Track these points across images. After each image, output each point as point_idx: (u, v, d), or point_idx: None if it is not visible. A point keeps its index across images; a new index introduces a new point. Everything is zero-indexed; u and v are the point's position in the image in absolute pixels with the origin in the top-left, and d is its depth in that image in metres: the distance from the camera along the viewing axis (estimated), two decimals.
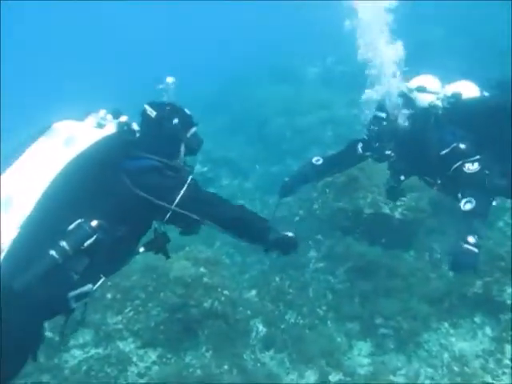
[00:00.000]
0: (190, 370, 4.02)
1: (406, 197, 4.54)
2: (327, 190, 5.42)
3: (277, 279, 5.03)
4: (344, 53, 10.98)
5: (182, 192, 2.19)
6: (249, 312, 4.59)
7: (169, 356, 4.18)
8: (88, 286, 2.06)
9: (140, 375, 4.04)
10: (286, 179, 3.82)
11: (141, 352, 4.25)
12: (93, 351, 4.29)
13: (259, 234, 2.44)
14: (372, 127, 3.37)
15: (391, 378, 3.83)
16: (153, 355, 4.21)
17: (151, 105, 2.46)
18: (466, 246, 2.91)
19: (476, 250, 2.91)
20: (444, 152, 3.23)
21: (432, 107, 3.29)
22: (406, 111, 3.35)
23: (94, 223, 2.03)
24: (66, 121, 2.21)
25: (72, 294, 2.01)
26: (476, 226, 2.99)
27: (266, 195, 7.19)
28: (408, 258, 5.03)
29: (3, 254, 1.83)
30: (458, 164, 3.19)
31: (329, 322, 4.51)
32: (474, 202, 3.04)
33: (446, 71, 3.95)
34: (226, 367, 4.07)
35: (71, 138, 2.10)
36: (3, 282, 1.79)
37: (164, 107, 2.47)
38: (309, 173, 3.78)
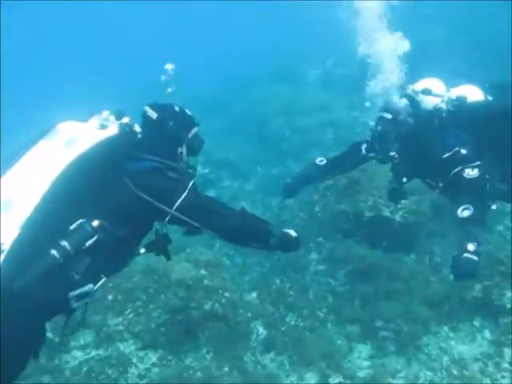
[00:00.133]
0: (191, 371, 4.03)
1: (407, 199, 4.55)
2: (328, 193, 5.43)
3: (277, 281, 5.04)
4: (344, 55, 11.01)
5: (182, 197, 2.20)
6: (249, 314, 4.61)
7: (169, 358, 4.19)
8: (89, 286, 2.07)
9: (140, 377, 4.05)
10: (289, 180, 3.82)
11: (141, 354, 4.26)
12: (93, 352, 4.30)
13: (260, 239, 2.44)
14: (376, 128, 3.40)
15: (391, 380, 3.85)
16: (153, 357, 4.22)
17: (152, 106, 2.47)
18: (466, 254, 2.92)
19: (476, 257, 2.92)
20: (446, 155, 3.25)
21: (436, 110, 3.32)
22: (410, 113, 3.37)
23: (96, 223, 2.04)
24: (69, 122, 2.22)
25: (73, 293, 2.01)
26: (475, 233, 3.00)
27: (267, 197, 7.20)
28: (408, 261, 5.05)
29: (3, 255, 1.83)
30: (458, 169, 3.21)
31: (329, 325, 4.52)
32: (471, 208, 3.05)
33: (446, 71, 3.96)
34: (226, 369, 4.08)
35: (73, 138, 2.11)
36: (3, 283, 1.80)
37: (165, 108, 2.48)
38: (312, 173, 3.78)
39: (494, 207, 3.29)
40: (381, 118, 3.37)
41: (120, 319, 4.49)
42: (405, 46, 3.47)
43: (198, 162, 2.65)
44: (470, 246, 2.94)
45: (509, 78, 3.50)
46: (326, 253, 5.28)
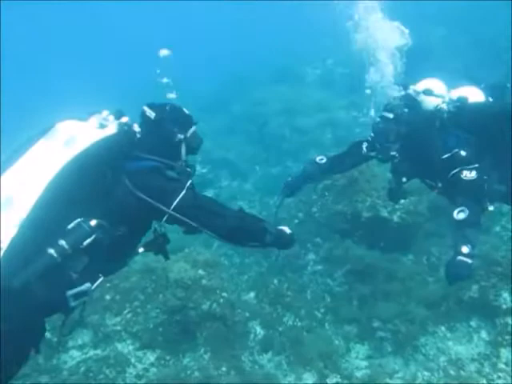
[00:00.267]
0: (188, 371, 4.04)
1: (407, 199, 4.57)
2: (326, 193, 5.44)
3: (275, 281, 5.05)
4: (344, 54, 11.02)
5: (180, 197, 2.21)
6: (247, 314, 4.61)
7: (167, 358, 4.20)
8: (86, 285, 2.08)
9: (138, 377, 4.05)
10: (289, 178, 3.82)
11: (139, 353, 4.27)
12: (91, 352, 4.30)
13: (257, 238, 2.46)
14: (378, 127, 3.41)
15: (388, 380, 3.85)
16: (151, 357, 4.23)
17: (150, 106, 2.48)
18: (460, 257, 2.94)
19: (470, 260, 2.94)
20: (445, 156, 3.27)
21: (437, 110, 3.33)
22: (410, 112, 3.39)
23: (94, 222, 2.05)
24: (69, 121, 2.23)
25: (70, 292, 2.03)
26: (469, 236, 3.02)
27: (266, 197, 7.21)
28: (406, 261, 5.06)
29: (2, 252, 1.85)
30: (456, 170, 3.23)
31: (327, 325, 4.53)
32: (466, 211, 3.08)
33: (446, 71, 3.98)
34: (224, 369, 4.09)
35: (72, 138, 2.12)
36: (3, 280, 1.82)
37: (163, 108, 2.48)
38: (312, 172, 3.79)
39: (491, 208, 3.31)
40: (382, 118, 3.39)
41: (118, 319, 4.50)
42: (402, 34, 3.49)
43: (196, 161, 2.66)
44: (464, 249, 2.96)
45: (508, 79, 3.51)
46: (323, 253, 5.29)
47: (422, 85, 3.46)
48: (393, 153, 3.41)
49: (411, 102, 3.41)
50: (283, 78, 11.41)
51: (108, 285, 4.62)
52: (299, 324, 4.53)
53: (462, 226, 3.09)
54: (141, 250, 2.40)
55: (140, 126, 2.40)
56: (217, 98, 11.50)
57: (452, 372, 3.75)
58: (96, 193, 2.13)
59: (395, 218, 5.12)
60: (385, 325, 4.32)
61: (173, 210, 2.19)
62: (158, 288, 4.49)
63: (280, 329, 4.49)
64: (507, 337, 3.86)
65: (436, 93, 3.36)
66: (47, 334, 3.97)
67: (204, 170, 7.88)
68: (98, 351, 4.30)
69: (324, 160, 3.76)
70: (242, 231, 2.38)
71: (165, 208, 2.18)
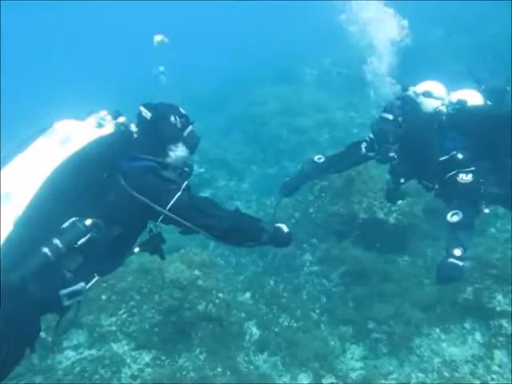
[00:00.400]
0: (184, 372, 4.03)
1: (404, 199, 4.59)
2: (323, 194, 5.45)
3: (271, 282, 5.06)
4: (342, 55, 11.03)
5: (175, 197, 2.21)
6: (243, 315, 4.62)
7: (163, 358, 4.19)
8: (81, 285, 2.08)
9: (133, 377, 4.04)
10: (287, 178, 3.85)
11: (134, 354, 4.26)
12: (86, 352, 4.29)
13: (253, 238, 2.47)
14: (377, 128, 3.43)
15: (383, 381, 3.87)
16: (146, 357, 4.22)
17: (146, 106, 2.48)
18: (451, 259, 2.96)
19: (461, 263, 2.96)
20: (443, 158, 3.29)
21: (436, 113, 3.35)
22: (409, 114, 3.40)
23: (89, 222, 2.05)
24: (67, 120, 2.23)
25: (64, 291, 2.03)
26: (462, 238, 3.03)
27: (263, 196, 7.22)
28: (402, 262, 5.08)
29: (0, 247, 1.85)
30: (452, 173, 3.24)
31: (322, 326, 4.54)
32: (460, 214, 3.09)
33: (445, 72, 4.00)
34: (219, 369, 4.09)
35: (68, 137, 2.12)
36: (2, 275, 1.82)
37: (159, 108, 2.48)
38: (310, 171, 3.81)
39: (487, 211, 3.33)
40: (381, 118, 3.40)
41: (113, 319, 4.48)
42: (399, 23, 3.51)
43: (193, 161, 2.66)
44: (457, 251, 2.98)
45: (508, 81, 3.53)
46: (320, 254, 5.30)
47: (421, 87, 3.48)
48: (391, 154, 3.43)
49: (411, 104, 3.43)
50: (282, 78, 11.43)
51: (104, 285, 4.61)
52: (295, 325, 4.54)
53: (456, 228, 3.11)
54: (136, 249, 2.40)
55: (137, 126, 2.40)
56: (215, 98, 11.51)
57: (446, 373, 3.77)
58: (91, 192, 2.14)
59: (391, 220, 5.14)
60: (380, 326, 4.34)
61: (168, 211, 2.19)
62: (154, 288, 4.48)
63: (276, 329, 4.50)
64: (501, 339, 3.88)
65: (435, 95, 3.38)
66: (42, 334, 3.97)
67: (201, 170, 7.89)
68: (93, 351, 4.29)
69: (322, 159, 3.78)
70: (238, 232, 2.39)
71: (160, 208, 2.18)
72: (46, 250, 1.94)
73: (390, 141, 3.41)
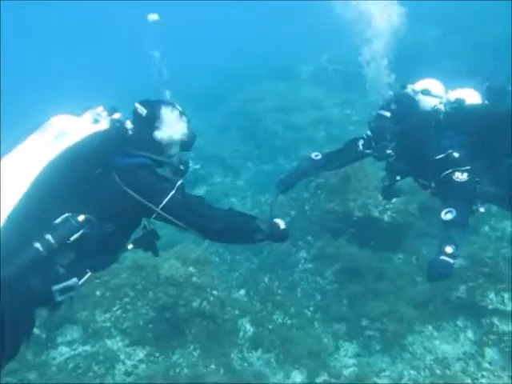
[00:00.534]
0: (178, 368, 4.05)
1: (400, 197, 4.61)
2: (319, 192, 5.46)
3: (266, 279, 5.07)
4: (338, 52, 11.03)
5: (169, 196, 2.21)
6: (237, 312, 4.63)
7: (156, 354, 4.20)
8: (73, 280, 2.09)
9: (127, 373, 4.05)
10: (284, 174, 3.86)
11: (129, 350, 4.26)
12: (80, 348, 4.29)
13: (245, 238, 2.48)
14: (374, 125, 3.44)
15: (375, 379, 3.90)
16: (141, 353, 4.23)
17: (142, 103, 2.47)
18: (442, 256, 2.99)
19: (452, 260, 2.98)
20: (439, 157, 3.30)
21: (434, 111, 3.36)
22: (407, 111, 3.41)
23: (82, 218, 2.06)
24: (63, 115, 2.23)
25: (57, 287, 2.04)
26: (454, 236, 3.06)
27: (258, 193, 7.22)
28: (396, 260, 5.10)
29: None
30: (448, 171, 3.26)
31: (316, 323, 4.56)
32: (454, 212, 3.12)
33: (441, 72, 4.00)
34: (213, 366, 4.11)
35: (62, 132, 2.12)
36: None
37: (155, 105, 2.48)
38: (307, 168, 3.81)
39: (482, 210, 3.36)
40: (379, 116, 3.41)
41: (108, 315, 4.48)
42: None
43: (189, 158, 2.66)
44: (448, 249, 3.01)
45: (509, 81, 3.55)
46: (314, 251, 5.32)
47: (420, 84, 3.49)
48: (389, 151, 3.44)
49: (409, 101, 3.44)
50: (279, 75, 11.42)
51: (98, 281, 4.60)
52: (289, 322, 4.56)
53: (449, 226, 3.14)
54: (130, 246, 2.40)
55: (132, 123, 2.39)
56: (213, 94, 11.50)
57: (438, 371, 3.81)
58: (85, 188, 2.14)
59: (386, 218, 5.16)
60: (373, 323, 4.36)
61: (161, 209, 2.20)
62: (148, 285, 4.48)
63: (270, 326, 4.51)
64: (492, 336, 3.92)
65: (434, 93, 3.39)
66: (36, 330, 3.98)
67: (197, 167, 7.88)
68: (87, 347, 4.29)
69: (319, 156, 3.80)
70: (231, 232, 2.40)
71: (153, 206, 2.19)
72: (37, 245, 1.95)
73: (387, 138, 3.42)
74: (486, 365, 3.75)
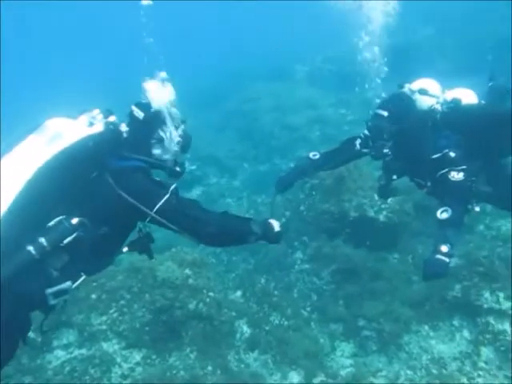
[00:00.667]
0: (174, 371, 4.04)
1: (396, 196, 4.63)
2: (314, 192, 5.46)
3: (262, 280, 5.07)
4: (333, 53, 11.05)
5: (163, 200, 2.21)
6: (234, 313, 4.62)
7: (153, 357, 4.19)
8: (67, 284, 2.08)
9: (124, 376, 4.04)
10: (283, 174, 3.89)
11: (125, 353, 4.24)
12: (76, 352, 4.27)
13: (239, 241, 2.48)
14: (372, 124, 3.44)
15: (372, 379, 3.90)
16: (137, 356, 4.22)
17: (138, 105, 2.46)
18: (438, 255, 3.00)
19: (447, 259, 3.00)
20: (435, 156, 3.32)
21: (431, 111, 3.38)
22: (404, 111, 3.43)
23: (75, 221, 2.05)
24: (58, 118, 2.23)
25: (50, 290, 2.03)
26: (450, 235, 3.07)
27: (254, 194, 7.23)
28: (392, 260, 5.11)
29: None
30: (444, 170, 3.28)
31: (313, 324, 4.57)
32: (450, 211, 3.13)
33: (435, 71, 4.02)
34: (210, 368, 4.10)
35: (57, 135, 2.13)
36: None
37: (151, 107, 2.47)
38: (305, 167, 3.84)
39: (477, 209, 3.37)
40: (376, 115, 3.42)
41: (104, 318, 4.46)
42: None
43: (185, 160, 2.66)
44: (444, 248, 3.03)
45: (508, 82, 3.57)
46: (310, 252, 5.32)
47: (417, 84, 3.51)
48: (385, 150, 3.45)
49: (406, 101, 3.45)
50: (276, 75, 11.46)
51: (94, 284, 4.59)
52: (286, 323, 4.56)
53: (444, 225, 3.16)
54: (125, 249, 2.40)
55: (128, 126, 2.38)
56: (210, 93, 11.53)
57: (434, 371, 3.82)
58: (79, 190, 2.13)
59: (381, 218, 5.17)
60: (370, 323, 4.37)
61: (155, 213, 2.19)
62: (145, 287, 4.46)
63: (266, 328, 4.51)
64: (488, 336, 3.93)
65: (431, 93, 3.41)
66: (31, 334, 3.95)
67: (193, 167, 7.88)
68: (83, 351, 4.27)
69: (317, 156, 3.82)
70: (224, 236, 2.40)
71: (147, 210, 2.18)
72: (30, 248, 1.94)
73: (384, 137, 3.43)
74: (481, 364, 3.77)
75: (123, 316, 4.46)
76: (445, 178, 3.27)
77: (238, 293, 5.00)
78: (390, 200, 5.10)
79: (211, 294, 4.48)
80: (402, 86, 3.52)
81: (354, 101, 9.38)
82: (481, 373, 3.70)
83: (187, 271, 4.46)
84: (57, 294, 2.06)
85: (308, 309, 4.74)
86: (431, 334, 4.18)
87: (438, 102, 3.40)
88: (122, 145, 2.30)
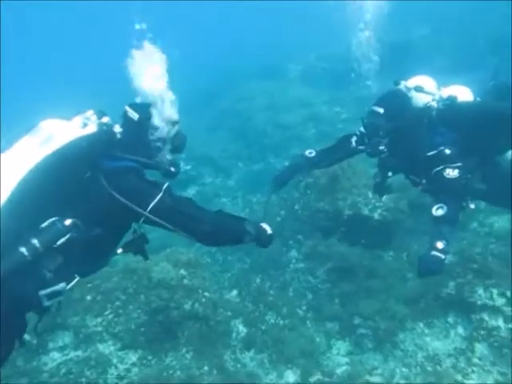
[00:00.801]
0: (171, 371, 4.04)
1: (391, 193, 4.65)
2: (308, 191, 5.47)
3: (257, 280, 5.08)
4: (326, 51, 11.05)
5: (156, 199, 2.21)
6: (229, 313, 4.63)
7: (149, 358, 4.19)
8: (61, 285, 2.08)
9: (120, 377, 4.03)
10: (278, 171, 3.91)
11: (121, 354, 4.24)
12: (72, 354, 4.26)
13: (233, 240, 2.48)
14: (368, 121, 3.45)
15: (368, 377, 3.92)
16: (133, 357, 4.21)
17: (132, 106, 2.46)
18: (434, 252, 3.02)
19: (443, 256, 3.02)
20: (431, 153, 3.33)
21: (427, 108, 3.39)
22: (400, 108, 3.44)
23: (68, 222, 2.05)
24: (52, 119, 2.23)
25: (44, 292, 2.02)
26: (445, 232, 3.10)
27: (248, 193, 7.23)
28: (387, 258, 5.13)
29: None
30: (439, 168, 3.29)
31: (308, 323, 4.58)
32: (445, 208, 3.16)
33: (431, 68, 4.04)
34: (206, 368, 4.11)
35: (50, 136, 2.12)
36: None
37: (145, 108, 2.46)
38: (301, 165, 3.86)
39: (472, 206, 3.40)
40: (372, 112, 3.43)
41: (99, 320, 4.45)
42: None
43: (180, 159, 2.66)
44: (439, 244, 3.05)
45: (509, 80, 3.60)
46: (305, 250, 5.33)
47: (413, 81, 3.52)
48: (381, 147, 3.46)
49: (402, 98, 3.46)
50: (269, 74, 11.46)
51: (89, 285, 4.57)
52: (281, 322, 4.57)
53: (440, 222, 3.18)
54: (120, 250, 2.40)
55: (122, 127, 2.38)
56: (205, 92, 11.50)
57: (429, 368, 3.84)
58: (71, 192, 2.13)
59: (376, 216, 5.18)
60: (365, 321, 4.39)
61: (149, 213, 2.19)
62: (140, 288, 4.45)
63: (262, 327, 4.52)
64: (482, 332, 3.96)
65: (427, 90, 3.42)
66: (26, 336, 3.93)
67: (187, 167, 7.87)
68: (79, 352, 4.26)
69: (313, 154, 3.84)
70: (219, 234, 2.40)
71: (141, 210, 2.18)
72: (23, 249, 1.94)
73: (380, 134, 3.43)
74: (475, 360, 3.80)
75: (119, 317, 4.45)
76: (440, 175, 3.29)
77: (234, 292, 5.01)
78: (384, 198, 5.12)
79: (206, 293, 4.48)
80: (397, 83, 3.53)
81: (348, 98, 9.41)
82: (475, 369, 3.73)
83: (182, 271, 4.46)
84: (51, 296, 2.05)
85: (303, 308, 4.75)
86: (426, 331, 4.20)
87: (433, 100, 3.41)
88: (115, 145, 2.30)
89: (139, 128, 2.41)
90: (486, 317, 4.03)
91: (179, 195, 2.39)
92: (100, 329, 4.37)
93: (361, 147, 3.68)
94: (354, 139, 3.73)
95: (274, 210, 5.73)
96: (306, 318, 4.62)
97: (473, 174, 3.35)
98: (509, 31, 7.97)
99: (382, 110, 3.40)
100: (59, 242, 2.02)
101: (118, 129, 2.35)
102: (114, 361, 4.19)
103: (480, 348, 3.89)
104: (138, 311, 4.40)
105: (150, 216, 2.19)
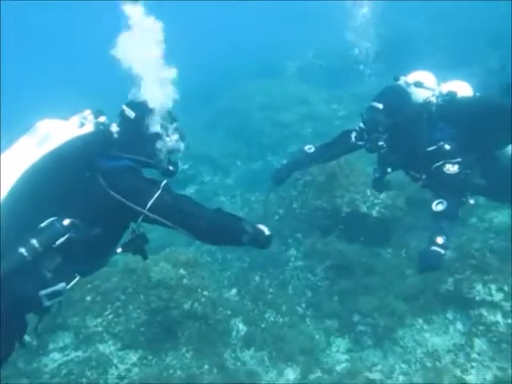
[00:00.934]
0: (171, 370, 4.05)
1: (390, 190, 4.65)
2: (306, 189, 5.48)
3: (257, 278, 5.09)
4: (324, 48, 11.03)
5: (155, 197, 2.20)
6: (229, 312, 4.64)
7: (149, 357, 4.20)
8: (61, 285, 2.08)
9: (120, 378, 4.05)
10: (278, 167, 3.95)
11: (121, 354, 4.25)
12: (72, 354, 4.27)
13: (233, 239, 2.47)
14: (367, 117, 3.45)
15: (367, 373, 3.94)
16: (133, 357, 4.23)
17: (129, 105, 2.45)
18: (434, 247, 3.03)
19: (443, 251, 3.03)
20: (430, 149, 3.34)
21: (427, 103, 3.39)
22: (399, 103, 3.44)
23: (67, 222, 2.05)
24: (50, 119, 2.23)
25: (44, 292, 2.03)
26: (445, 227, 3.10)
27: (247, 192, 7.24)
28: (386, 255, 5.14)
29: None
30: (439, 163, 3.30)
31: (308, 320, 4.59)
32: (445, 203, 3.16)
33: (430, 64, 4.04)
34: (206, 367, 4.12)
35: (47, 136, 2.13)
36: None
37: (143, 106, 2.46)
38: (301, 160, 3.87)
39: (472, 202, 3.40)
40: (371, 107, 3.43)
41: (99, 320, 4.47)
42: None
43: (178, 158, 2.65)
44: (439, 240, 3.06)
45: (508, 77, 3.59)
46: (304, 248, 5.34)
47: (412, 77, 3.52)
48: (381, 143, 3.45)
49: (401, 93, 3.46)
50: (267, 72, 11.44)
51: (88, 286, 4.58)
52: (281, 320, 4.58)
53: (440, 217, 3.18)
54: (119, 250, 2.39)
55: (119, 126, 2.38)
56: (204, 91, 11.48)
57: (428, 364, 3.86)
58: (70, 191, 2.13)
59: (374, 213, 5.19)
60: (365, 318, 4.40)
61: (148, 211, 2.19)
62: (139, 288, 4.46)
63: (262, 325, 4.53)
64: (481, 327, 3.97)
65: (426, 85, 3.42)
66: (26, 338, 3.95)
67: (186, 166, 7.87)
68: (80, 353, 4.27)
69: (312, 149, 3.85)
70: (218, 232, 2.38)
71: (139, 208, 2.18)
72: (22, 249, 1.94)
73: (379, 130, 3.43)
74: (475, 355, 3.81)
75: (119, 317, 4.46)
76: (440, 171, 3.29)
77: (233, 291, 5.02)
78: (382, 195, 5.13)
79: (206, 293, 4.49)
80: (397, 79, 3.53)
81: (346, 96, 9.41)
82: (474, 364, 3.74)
83: (181, 271, 4.46)
84: (51, 296, 2.06)
85: (303, 305, 4.76)
86: (425, 327, 4.22)
87: (433, 95, 3.41)
88: (112, 144, 2.30)
89: (136, 126, 2.40)
90: (484, 312, 4.04)
91: (177, 192, 2.39)
92: (100, 329, 4.39)
93: (360, 143, 3.67)
94: (353, 135, 3.73)
95: (272, 209, 5.73)
96: (305, 316, 4.63)
97: (472, 169, 3.36)
98: (509, 29, 7.97)
99: (381, 106, 3.39)
100: (58, 242, 2.02)
101: (115, 128, 2.35)
102: (115, 361, 4.20)
103: (479, 343, 3.90)
104: (137, 311, 4.41)
105: (149, 214, 2.18)
